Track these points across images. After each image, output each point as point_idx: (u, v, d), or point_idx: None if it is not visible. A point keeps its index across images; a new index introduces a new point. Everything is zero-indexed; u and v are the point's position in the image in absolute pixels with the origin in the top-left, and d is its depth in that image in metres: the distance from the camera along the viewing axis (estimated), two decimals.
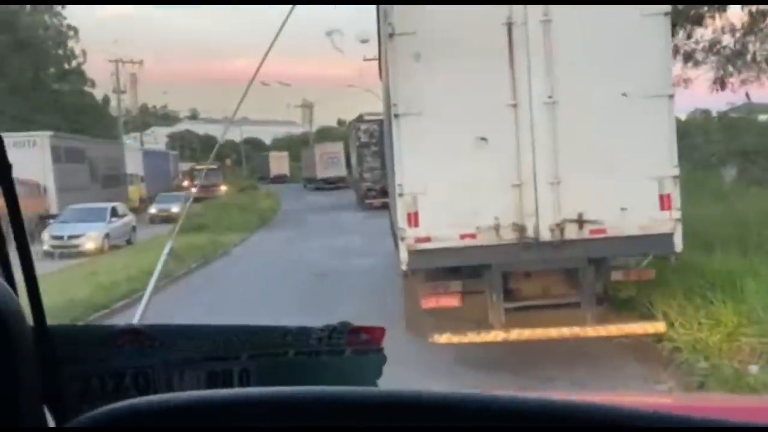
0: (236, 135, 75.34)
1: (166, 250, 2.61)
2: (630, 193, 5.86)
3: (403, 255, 6.01)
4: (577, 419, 0.68)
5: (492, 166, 5.93)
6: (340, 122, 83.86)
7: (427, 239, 5.97)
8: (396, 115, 5.95)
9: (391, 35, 5.91)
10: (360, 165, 29.30)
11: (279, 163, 62.12)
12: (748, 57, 11.47)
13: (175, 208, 25.67)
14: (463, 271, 6.25)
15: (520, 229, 5.94)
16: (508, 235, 5.95)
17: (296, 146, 67.13)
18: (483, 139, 5.87)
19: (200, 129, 78.08)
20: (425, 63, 5.91)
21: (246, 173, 64.61)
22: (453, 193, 5.94)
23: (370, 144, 29.00)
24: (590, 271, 6.01)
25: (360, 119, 30.33)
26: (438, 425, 0.70)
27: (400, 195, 5.99)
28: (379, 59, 11.87)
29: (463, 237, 5.94)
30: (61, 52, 41.77)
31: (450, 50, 5.87)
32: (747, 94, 11.67)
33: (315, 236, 20.31)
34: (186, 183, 40.98)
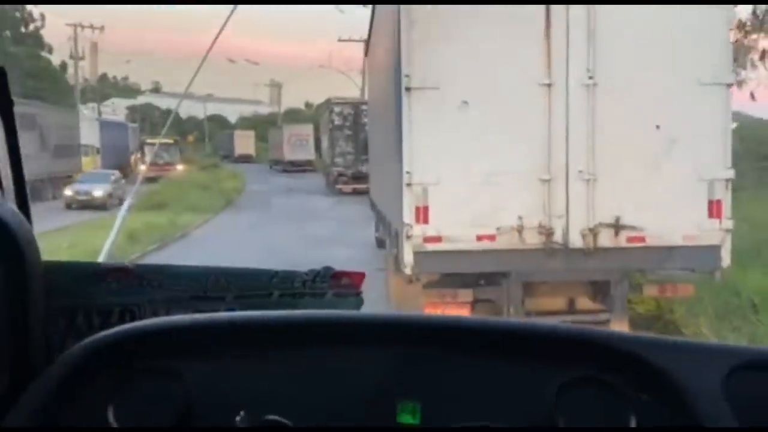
0: (200, 111, 73.00)
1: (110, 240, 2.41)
2: (675, 196, 5.04)
3: (408, 256, 5.05)
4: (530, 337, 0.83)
5: (518, 157, 5.02)
6: (308, 104, 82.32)
7: (438, 239, 5.03)
8: (408, 89, 4.96)
9: None
10: (332, 149, 28.21)
11: (244, 143, 60.35)
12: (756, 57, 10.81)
13: (98, 191, 20.46)
14: (476, 277, 5.33)
15: (547, 232, 5.05)
16: (533, 239, 5.05)
17: (263, 126, 65.44)
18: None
19: (162, 103, 75.43)
20: (446, 28, 4.93)
21: (209, 151, 62.62)
22: (471, 185, 5.01)
23: (344, 127, 27.93)
24: (624, 286, 5.17)
25: (334, 101, 29.17)
26: (413, 343, 0.82)
27: (408, 185, 5.02)
28: (369, 35, 10.81)
29: (480, 238, 5.02)
30: (18, 14, 39.75)
31: (476, 15, 4.91)
32: (752, 94, 11.04)
33: (283, 221, 19.23)
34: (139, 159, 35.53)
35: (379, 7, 7.37)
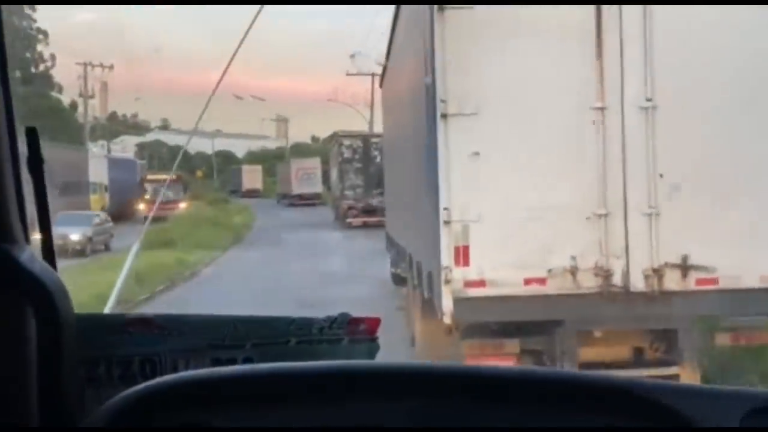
0: (208, 147, 73.42)
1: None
2: (750, 230, 4.44)
3: (446, 303, 4.46)
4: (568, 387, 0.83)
5: (569, 189, 4.46)
6: (314, 138, 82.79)
7: (481, 283, 4.44)
8: (444, 116, 4.44)
9: (440, 6, 4.41)
10: (341, 182, 27.85)
11: (252, 177, 60.52)
12: None
13: (75, 235, 18.40)
14: (522, 325, 4.72)
15: (605, 274, 4.45)
16: (588, 282, 4.45)
17: (270, 161, 65.65)
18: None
19: (171, 140, 76.11)
20: (485, 47, 4.44)
21: (217, 186, 62.74)
22: (517, 222, 4.44)
23: (353, 160, 27.66)
24: (693, 334, 4.54)
25: (343, 134, 28.95)
26: (428, 394, 0.82)
27: (446, 223, 4.45)
28: (385, 63, 10.42)
29: (528, 282, 4.43)
30: (28, 55, 40.51)
31: (518, 31, 4.41)
32: None
33: (294, 257, 18.66)
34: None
35: (401, 29, 6.92)
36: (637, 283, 4.47)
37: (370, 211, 27.42)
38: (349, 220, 27.37)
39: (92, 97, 43.02)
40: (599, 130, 4.46)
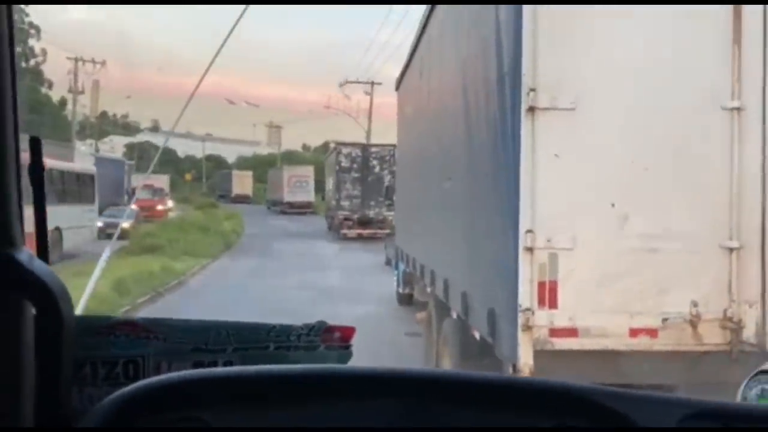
0: (198, 150, 72.33)
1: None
2: None
3: (525, 355, 3.37)
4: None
5: (691, 212, 3.41)
6: (305, 147, 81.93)
7: (572, 332, 3.36)
8: (531, 110, 3.37)
9: None
10: (338, 191, 26.77)
11: (242, 182, 59.45)
12: None
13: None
14: (621, 387, 3.62)
15: (735, 326, 3.39)
16: (713, 337, 3.40)
17: (261, 167, 64.71)
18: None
19: (161, 141, 74.77)
20: (590, 26, 3.39)
21: (206, 190, 61.56)
22: (621, 253, 3.39)
23: (351, 170, 26.63)
24: None
25: (342, 143, 27.91)
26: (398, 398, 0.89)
27: (528, 249, 3.37)
28: (405, 67, 9.38)
29: (635, 333, 3.37)
30: (19, 49, 39.86)
31: (634, 8, 3.37)
32: None
33: (288, 270, 17.50)
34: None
35: (445, 14, 5.88)
36: None
37: (366, 222, 26.41)
38: (344, 231, 26.30)
39: (82, 92, 41.80)
40: (733, 136, 3.41)
